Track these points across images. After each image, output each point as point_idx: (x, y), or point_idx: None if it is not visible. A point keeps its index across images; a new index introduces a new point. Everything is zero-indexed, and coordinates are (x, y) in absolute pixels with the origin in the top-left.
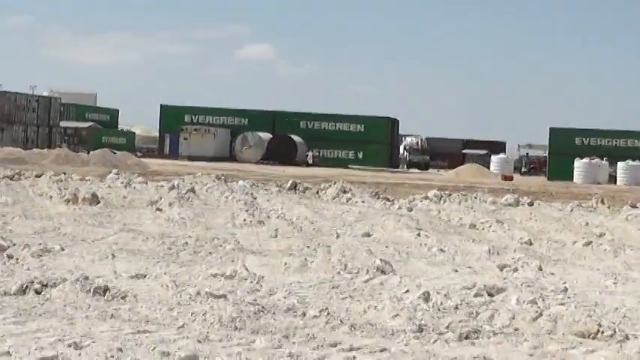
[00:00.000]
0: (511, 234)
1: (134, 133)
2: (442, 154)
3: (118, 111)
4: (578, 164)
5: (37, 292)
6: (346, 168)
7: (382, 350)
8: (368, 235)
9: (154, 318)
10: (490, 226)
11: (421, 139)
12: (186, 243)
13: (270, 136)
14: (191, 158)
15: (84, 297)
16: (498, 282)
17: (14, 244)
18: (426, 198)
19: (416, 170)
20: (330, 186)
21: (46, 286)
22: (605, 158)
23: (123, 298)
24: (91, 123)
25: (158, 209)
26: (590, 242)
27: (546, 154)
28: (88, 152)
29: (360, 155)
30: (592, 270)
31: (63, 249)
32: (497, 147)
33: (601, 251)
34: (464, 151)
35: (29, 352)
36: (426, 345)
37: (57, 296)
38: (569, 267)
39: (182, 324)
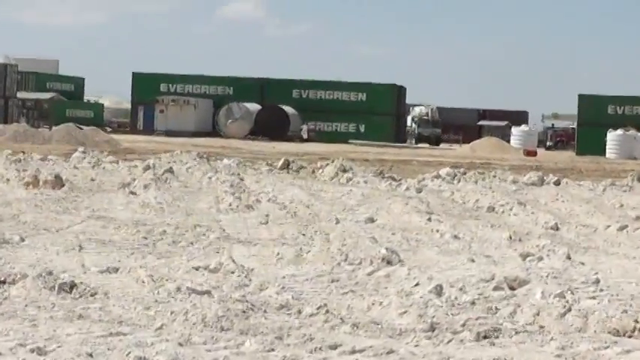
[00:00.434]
0: (535, 218)
1: (102, 105)
2: (456, 126)
3: (83, 80)
4: (611, 137)
5: None
6: (346, 143)
7: (389, 352)
8: (372, 220)
9: (129, 318)
10: (511, 209)
11: (432, 110)
12: (164, 231)
13: (259, 107)
14: (168, 134)
15: (48, 295)
16: (521, 273)
17: None
18: (438, 177)
19: (426, 145)
20: (328, 164)
21: (3, 282)
22: None
23: (92, 295)
24: (53, 94)
25: (131, 193)
26: (626, 226)
27: (574, 126)
28: (50, 127)
29: (362, 128)
30: (627, 258)
31: (23, 240)
32: (519, 118)
33: (637, 237)
34: (480, 122)
35: None
36: (438, 346)
37: (17, 294)
38: (601, 255)
39: (160, 325)
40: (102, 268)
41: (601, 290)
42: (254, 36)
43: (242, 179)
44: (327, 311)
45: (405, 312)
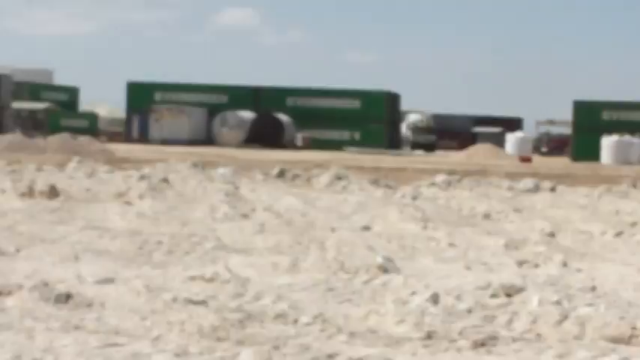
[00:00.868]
0: (531, 224)
1: (97, 114)
2: (450, 133)
3: (78, 89)
4: (607, 142)
5: None
6: (341, 151)
7: None
8: (367, 228)
9: (125, 329)
10: (507, 216)
11: (426, 116)
12: (160, 241)
13: (254, 115)
14: (163, 142)
15: (44, 306)
16: (517, 280)
17: None
18: (433, 184)
19: (421, 152)
20: (323, 172)
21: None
22: (637, 135)
23: (88, 306)
24: (48, 104)
25: (127, 202)
26: (622, 233)
27: (570, 132)
28: (45, 138)
29: (357, 136)
30: (624, 265)
31: (18, 250)
32: (514, 124)
33: (634, 243)
34: (475, 129)
35: None
36: (435, 354)
37: (12, 305)
38: (597, 262)
39: (157, 335)
40: (98, 279)
41: (598, 297)
42: (248, 44)
43: (237, 188)
44: (324, 320)
45: (401, 320)
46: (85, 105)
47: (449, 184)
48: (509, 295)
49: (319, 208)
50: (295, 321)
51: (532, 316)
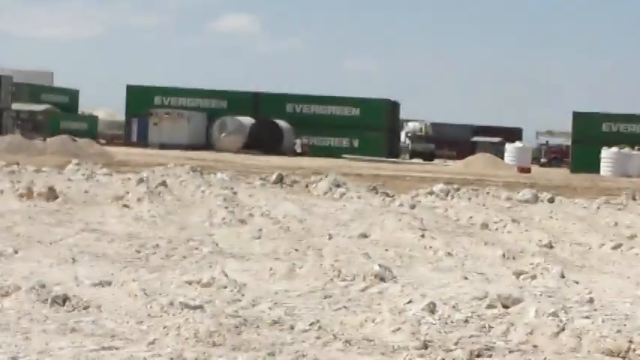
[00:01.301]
0: (529, 235)
1: (97, 117)
2: (449, 142)
3: (78, 92)
4: (606, 154)
5: None
6: (340, 158)
7: None
8: (365, 236)
9: (121, 332)
10: (504, 227)
11: (425, 125)
12: (157, 245)
13: (253, 121)
14: (162, 146)
15: (40, 307)
16: (514, 291)
17: None
18: (431, 193)
19: (419, 161)
20: (322, 179)
21: None
22: (636, 147)
23: (85, 308)
24: (48, 106)
25: (125, 206)
26: (620, 245)
27: (569, 143)
28: (45, 139)
29: (356, 143)
30: (621, 278)
31: (16, 252)
32: (513, 134)
33: (632, 255)
34: (474, 138)
35: None
36: None
37: (9, 307)
38: (595, 274)
39: (153, 339)
40: (95, 282)
41: (595, 310)
42: (247, 50)
43: (235, 193)
44: (320, 327)
45: (397, 329)
46: (84, 108)
47: (447, 193)
48: (506, 306)
49: (317, 214)
50: (291, 327)
51: (529, 327)
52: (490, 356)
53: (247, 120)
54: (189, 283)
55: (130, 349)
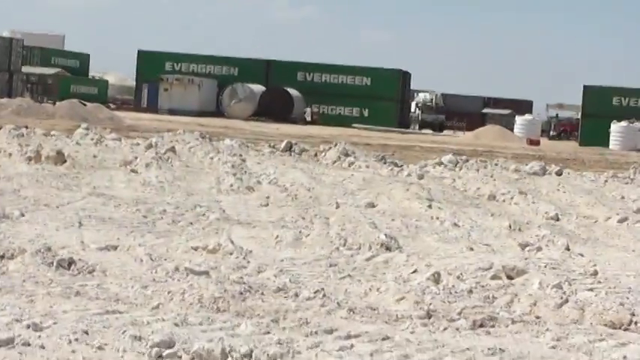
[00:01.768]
0: (535, 207)
1: (107, 81)
2: (459, 113)
3: (88, 56)
4: (615, 128)
5: None
6: (349, 127)
7: (384, 339)
8: (372, 205)
9: (126, 296)
10: (512, 198)
11: (436, 96)
12: (165, 211)
13: (263, 88)
14: (172, 112)
15: (45, 270)
16: (519, 263)
17: None
18: (440, 164)
19: (429, 131)
20: (331, 148)
21: (2, 257)
22: None
23: (90, 272)
24: (58, 69)
25: (133, 171)
26: (626, 219)
27: (579, 116)
28: (54, 103)
29: (366, 113)
30: (626, 251)
31: (23, 215)
32: (523, 107)
33: (637, 229)
34: (484, 110)
35: None
36: (434, 333)
37: (15, 269)
38: (600, 247)
39: (157, 304)
40: (101, 246)
41: (599, 282)
42: (260, 17)
43: (244, 160)
44: (324, 295)
45: (402, 298)
46: (95, 72)
47: (455, 164)
48: (510, 277)
49: (325, 183)
50: (296, 295)
51: (532, 298)
52: (493, 327)
53: (258, 87)
54: (195, 249)
55: (134, 313)
